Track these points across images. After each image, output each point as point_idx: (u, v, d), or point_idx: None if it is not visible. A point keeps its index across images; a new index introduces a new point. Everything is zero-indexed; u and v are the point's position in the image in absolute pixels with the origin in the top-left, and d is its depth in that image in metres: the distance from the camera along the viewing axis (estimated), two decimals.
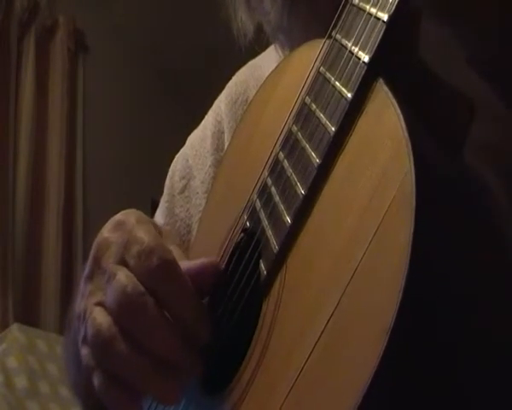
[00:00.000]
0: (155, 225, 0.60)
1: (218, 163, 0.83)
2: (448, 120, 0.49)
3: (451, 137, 0.48)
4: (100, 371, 0.54)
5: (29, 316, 3.00)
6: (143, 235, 0.55)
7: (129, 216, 0.58)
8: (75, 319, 0.59)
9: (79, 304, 0.58)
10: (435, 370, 0.39)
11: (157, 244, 0.54)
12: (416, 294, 0.38)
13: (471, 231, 0.43)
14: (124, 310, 0.53)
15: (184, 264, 0.56)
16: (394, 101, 0.44)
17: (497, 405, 0.41)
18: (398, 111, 0.43)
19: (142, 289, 0.52)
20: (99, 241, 0.57)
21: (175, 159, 0.90)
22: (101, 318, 0.54)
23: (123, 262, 0.54)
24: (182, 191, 0.86)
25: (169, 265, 0.53)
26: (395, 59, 0.48)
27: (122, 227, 0.56)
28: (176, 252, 0.56)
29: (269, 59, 0.80)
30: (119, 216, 0.58)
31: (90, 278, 0.57)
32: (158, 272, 0.53)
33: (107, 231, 0.57)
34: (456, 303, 0.40)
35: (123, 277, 0.53)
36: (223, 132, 0.85)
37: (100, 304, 0.55)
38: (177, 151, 0.91)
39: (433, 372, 0.39)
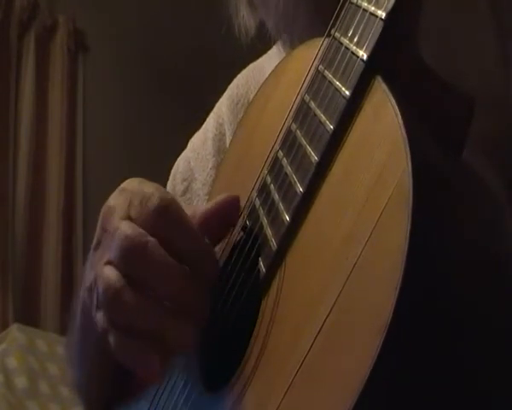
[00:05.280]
0: None
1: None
2: (447, 118, 0.49)
3: (450, 135, 0.48)
4: (115, 329, 0.54)
5: (29, 316, 3.00)
6: (145, 187, 0.56)
7: (132, 181, 0.59)
8: (86, 293, 0.59)
9: (89, 275, 0.58)
10: (434, 367, 0.39)
11: (157, 189, 0.55)
12: (413, 291, 0.38)
13: (469, 228, 0.43)
14: (127, 257, 0.53)
15: (205, 206, 0.57)
16: (392, 98, 0.44)
17: (499, 401, 0.41)
18: (396, 109, 0.43)
19: (142, 231, 0.53)
20: (104, 209, 0.58)
21: (177, 161, 0.90)
22: (108, 272, 0.54)
23: (127, 218, 0.55)
24: (183, 193, 0.86)
25: (168, 203, 0.54)
26: (394, 56, 0.47)
27: (125, 190, 0.57)
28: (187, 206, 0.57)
29: (270, 60, 0.80)
30: (122, 184, 0.59)
31: (98, 245, 0.58)
32: (158, 211, 0.53)
33: (111, 199, 0.58)
34: (456, 300, 0.40)
35: (124, 227, 0.54)
36: (224, 135, 0.85)
37: (108, 262, 0.55)
38: (177, 152, 0.91)
39: (431, 369, 0.39)
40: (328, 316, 0.42)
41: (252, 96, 0.81)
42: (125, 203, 0.56)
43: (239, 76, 0.89)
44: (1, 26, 3.15)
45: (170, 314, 0.53)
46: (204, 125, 0.89)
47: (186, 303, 0.53)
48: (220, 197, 0.58)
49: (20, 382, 2.50)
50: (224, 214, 0.58)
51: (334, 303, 0.42)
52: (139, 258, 0.53)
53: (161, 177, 0.91)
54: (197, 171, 0.86)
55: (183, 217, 0.54)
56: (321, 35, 0.56)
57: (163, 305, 0.53)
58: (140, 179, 0.59)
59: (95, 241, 0.58)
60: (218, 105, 0.89)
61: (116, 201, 0.57)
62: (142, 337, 0.53)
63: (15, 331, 2.65)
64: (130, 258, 0.53)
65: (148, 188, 0.56)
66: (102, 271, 0.54)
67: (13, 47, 3.19)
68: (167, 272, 0.53)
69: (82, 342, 0.62)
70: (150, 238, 0.53)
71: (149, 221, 0.53)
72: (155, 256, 0.52)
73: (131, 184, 0.58)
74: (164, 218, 0.54)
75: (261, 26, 0.74)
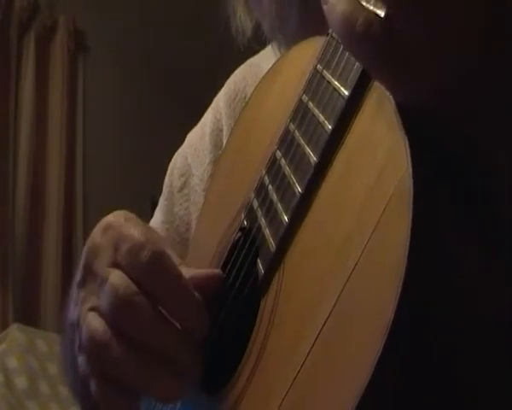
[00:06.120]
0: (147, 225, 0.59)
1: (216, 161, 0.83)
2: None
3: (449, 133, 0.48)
4: (96, 376, 0.53)
5: (29, 316, 3.01)
6: (132, 231, 0.54)
7: (117, 217, 0.57)
8: (69, 327, 0.58)
9: (73, 312, 0.57)
10: (436, 366, 0.39)
11: (147, 238, 0.53)
12: (415, 290, 0.38)
13: (471, 227, 0.43)
14: (118, 312, 0.52)
15: (188, 271, 0.55)
16: (392, 98, 0.44)
17: (498, 400, 0.40)
18: (396, 109, 0.43)
19: (134, 288, 0.52)
20: (89, 246, 0.57)
21: (174, 157, 0.90)
22: (95, 322, 0.53)
23: (115, 264, 0.54)
24: (181, 189, 0.86)
25: (161, 257, 0.53)
26: None
27: (111, 229, 0.56)
28: (173, 256, 0.56)
29: (267, 57, 0.80)
30: (107, 218, 0.57)
31: (83, 284, 0.57)
32: (150, 265, 0.52)
33: (96, 236, 0.57)
34: (457, 299, 0.40)
35: (115, 279, 0.52)
36: (221, 130, 0.84)
37: (94, 309, 0.54)
38: (177, 151, 0.91)
39: (433, 368, 0.39)
40: (329, 316, 0.42)
41: (249, 92, 0.81)
42: (110, 245, 0.55)
43: (236, 72, 0.88)
44: (1, 26, 3.16)
45: (157, 369, 0.52)
46: (201, 121, 0.89)
47: (175, 359, 0.52)
48: (204, 273, 0.57)
49: (20, 382, 2.51)
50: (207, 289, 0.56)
51: (336, 303, 0.42)
52: (130, 318, 0.52)
53: (161, 177, 0.91)
54: (195, 166, 0.85)
55: (174, 273, 0.53)
56: (313, 35, 0.55)
57: (150, 359, 0.52)
58: (125, 214, 0.57)
59: (79, 277, 0.57)
60: (215, 100, 0.88)
61: (101, 240, 0.56)
62: (124, 389, 0.52)
63: (15, 331, 2.65)
64: (121, 315, 0.52)
65: (136, 232, 0.54)
66: (87, 316, 0.54)
67: (13, 47, 3.20)
68: (157, 333, 0.52)
69: (73, 355, 0.61)
70: (142, 298, 0.52)
71: (140, 274, 0.52)
72: (147, 317, 0.51)
73: (117, 221, 0.56)
74: (156, 273, 0.52)
75: (257, 27, 0.75)
